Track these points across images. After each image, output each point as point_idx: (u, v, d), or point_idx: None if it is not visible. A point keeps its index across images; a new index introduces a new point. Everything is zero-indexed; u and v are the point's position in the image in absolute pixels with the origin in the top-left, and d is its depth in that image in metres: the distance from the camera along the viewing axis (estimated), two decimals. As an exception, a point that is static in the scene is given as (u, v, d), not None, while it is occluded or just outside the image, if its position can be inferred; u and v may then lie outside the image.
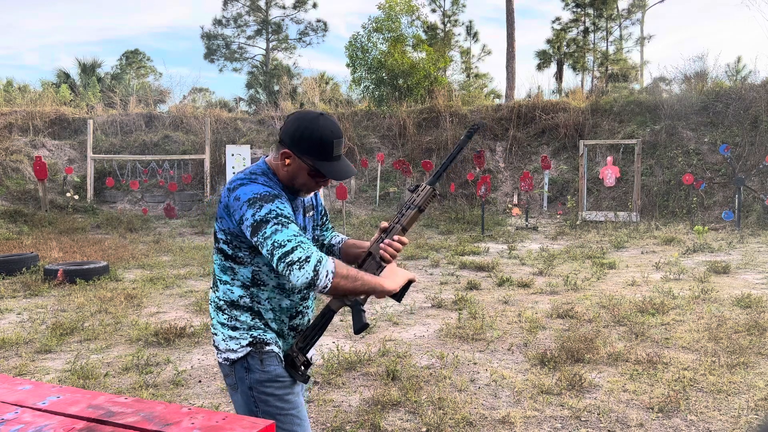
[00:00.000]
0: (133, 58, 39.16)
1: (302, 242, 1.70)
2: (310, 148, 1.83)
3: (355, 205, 16.42)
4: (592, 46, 31.33)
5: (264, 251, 1.73)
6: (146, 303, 6.68)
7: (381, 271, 1.95)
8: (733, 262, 8.66)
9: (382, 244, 1.93)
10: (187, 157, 17.19)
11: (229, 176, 16.51)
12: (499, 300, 6.63)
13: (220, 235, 1.92)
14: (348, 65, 20.51)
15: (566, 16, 35.19)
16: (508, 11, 23.64)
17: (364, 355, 4.61)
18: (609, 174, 14.82)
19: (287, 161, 1.86)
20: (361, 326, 1.91)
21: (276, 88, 28.52)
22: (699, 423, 3.45)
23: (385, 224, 1.97)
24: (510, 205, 15.63)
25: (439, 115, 18.28)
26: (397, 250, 1.95)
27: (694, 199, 14.10)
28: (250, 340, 1.90)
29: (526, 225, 13.66)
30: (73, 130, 18.90)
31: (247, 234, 1.77)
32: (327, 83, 27.12)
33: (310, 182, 1.90)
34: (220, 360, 1.95)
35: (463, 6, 32.16)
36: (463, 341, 5.11)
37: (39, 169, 14.41)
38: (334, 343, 5.10)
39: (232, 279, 1.91)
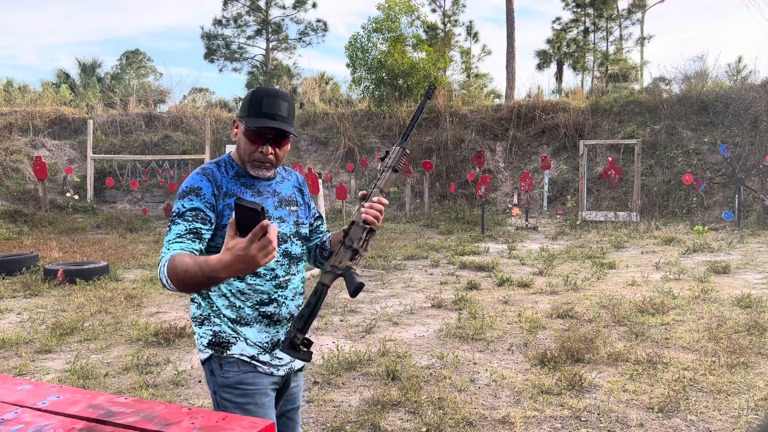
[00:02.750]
0: (133, 58, 39.19)
1: (164, 251, 1.72)
2: (244, 108, 1.85)
3: (355, 205, 16.43)
4: (592, 46, 31.33)
5: None
6: (146, 303, 6.68)
7: (369, 235, 1.87)
8: (733, 262, 8.66)
9: (363, 208, 1.90)
10: (187, 157, 17.20)
11: (229, 176, 16.53)
12: (499, 300, 6.63)
13: None
14: (348, 65, 20.54)
15: (566, 16, 35.21)
16: (508, 11, 23.64)
17: (364, 355, 4.61)
18: (612, 174, 14.81)
19: (234, 131, 1.91)
20: (355, 287, 1.82)
21: (276, 88, 28.50)
22: (699, 423, 3.45)
23: (363, 192, 1.95)
24: (510, 205, 15.63)
25: (439, 115, 18.28)
26: (379, 211, 1.90)
27: (694, 199, 14.09)
28: (211, 338, 1.88)
29: (526, 225, 13.66)
30: (73, 130, 18.90)
31: None
32: (327, 83, 27.11)
33: (248, 147, 1.87)
34: (201, 358, 1.96)
35: (463, 6, 32.17)
36: (463, 341, 5.11)
37: (39, 169, 14.41)
38: (334, 343, 5.10)
39: None
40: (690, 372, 4.21)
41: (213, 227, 1.82)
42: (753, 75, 21.30)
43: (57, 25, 78.54)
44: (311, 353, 1.83)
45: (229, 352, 1.85)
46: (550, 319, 5.80)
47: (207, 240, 1.80)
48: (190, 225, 1.76)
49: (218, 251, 1.73)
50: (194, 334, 1.95)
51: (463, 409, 3.66)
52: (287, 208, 1.99)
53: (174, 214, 1.79)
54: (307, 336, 1.83)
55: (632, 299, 6.38)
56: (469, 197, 16.33)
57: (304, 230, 2.05)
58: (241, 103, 1.90)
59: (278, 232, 1.88)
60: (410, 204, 15.71)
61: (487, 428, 3.43)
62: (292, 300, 1.98)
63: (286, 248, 1.96)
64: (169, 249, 1.72)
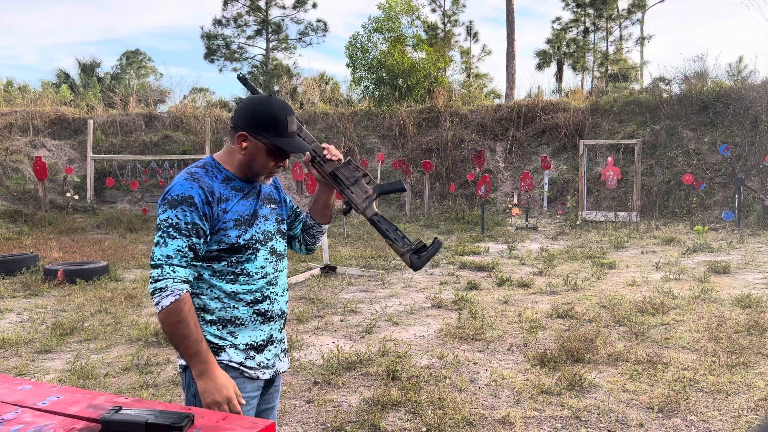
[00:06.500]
0: (133, 58, 39.19)
1: (165, 267, 1.74)
2: (266, 126, 1.87)
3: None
4: (592, 46, 31.35)
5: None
6: (146, 303, 6.67)
7: (363, 176, 2.03)
8: (733, 262, 8.66)
9: (327, 156, 2.02)
10: (187, 157, 17.19)
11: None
12: (499, 300, 6.63)
13: None
14: (348, 65, 20.55)
15: (566, 16, 35.20)
16: (508, 11, 23.65)
17: (364, 355, 4.61)
18: (611, 175, 14.81)
19: (244, 144, 1.89)
20: (400, 187, 2.11)
21: (276, 88, 28.54)
22: (699, 423, 3.45)
23: (308, 155, 2.07)
24: (510, 205, 15.63)
25: (439, 115, 18.28)
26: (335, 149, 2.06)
27: (694, 199, 14.09)
28: None
29: (526, 225, 13.66)
30: (73, 130, 18.91)
31: None
32: (327, 83, 27.11)
33: (268, 163, 1.93)
34: (178, 367, 1.93)
35: (463, 6, 32.18)
36: (463, 341, 5.11)
37: (39, 169, 14.42)
38: (334, 343, 5.10)
39: None
40: (690, 372, 4.21)
41: (207, 238, 1.84)
42: (753, 75, 21.27)
43: (57, 25, 78.61)
44: (435, 239, 2.00)
45: (218, 358, 1.85)
46: (550, 319, 5.80)
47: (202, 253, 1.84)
48: (188, 241, 1.78)
49: (214, 256, 1.88)
50: None
51: (463, 409, 3.66)
52: (269, 206, 2.03)
53: (167, 224, 1.78)
54: (414, 242, 1.97)
55: (632, 299, 6.38)
56: (469, 197, 16.33)
57: (284, 227, 2.10)
58: (250, 115, 1.88)
59: (263, 230, 1.96)
60: (410, 204, 15.71)
61: (487, 428, 3.44)
62: (282, 296, 2.03)
63: (272, 245, 1.99)
64: (173, 269, 1.75)
